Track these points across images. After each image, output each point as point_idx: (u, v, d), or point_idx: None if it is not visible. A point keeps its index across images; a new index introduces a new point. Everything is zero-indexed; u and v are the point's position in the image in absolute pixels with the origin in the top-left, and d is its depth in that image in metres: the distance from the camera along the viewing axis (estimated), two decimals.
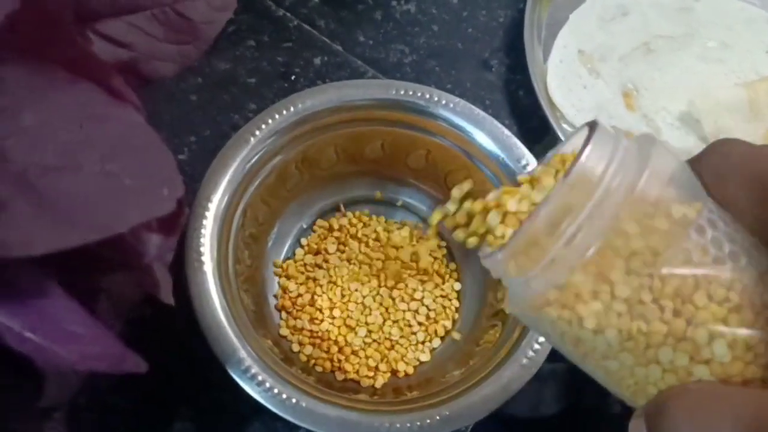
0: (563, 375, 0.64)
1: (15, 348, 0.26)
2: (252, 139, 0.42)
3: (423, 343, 0.45)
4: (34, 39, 0.25)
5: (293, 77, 0.53)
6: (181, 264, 0.38)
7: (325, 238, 0.47)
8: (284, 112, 0.43)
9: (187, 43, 0.35)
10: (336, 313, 0.45)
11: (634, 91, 0.53)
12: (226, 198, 0.40)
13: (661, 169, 0.23)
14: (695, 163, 0.24)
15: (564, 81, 0.53)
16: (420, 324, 0.45)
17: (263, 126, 0.42)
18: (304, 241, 0.47)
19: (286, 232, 0.47)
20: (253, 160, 0.42)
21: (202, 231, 0.38)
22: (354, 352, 0.44)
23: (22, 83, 0.24)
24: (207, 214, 0.39)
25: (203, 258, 0.38)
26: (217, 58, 0.53)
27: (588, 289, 0.22)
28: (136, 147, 0.24)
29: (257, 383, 0.37)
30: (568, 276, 0.22)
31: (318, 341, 0.44)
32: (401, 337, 0.45)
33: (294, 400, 0.37)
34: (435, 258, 0.47)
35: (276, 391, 0.37)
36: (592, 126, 0.24)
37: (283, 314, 0.45)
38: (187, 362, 0.44)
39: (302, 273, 0.46)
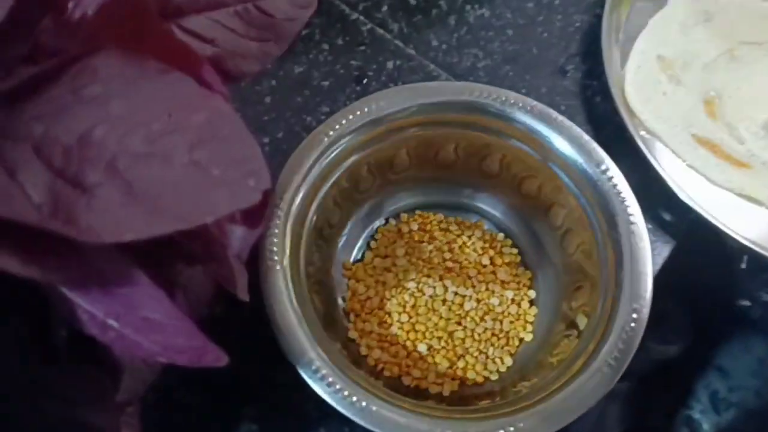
0: (628, 395, 0.62)
1: (97, 337, 0.26)
2: (326, 139, 0.41)
3: (494, 352, 0.44)
4: (126, 29, 0.25)
5: (366, 81, 0.53)
6: (254, 262, 0.38)
7: (395, 242, 0.47)
8: (358, 112, 0.42)
9: (268, 40, 0.35)
10: (404, 317, 0.44)
11: (717, 99, 0.51)
12: (299, 197, 0.40)
13: None
14: None
15: (643, 87, 0.51)
16: (492, 333, 0.44)
17: (337, 126, 0.42)
18: (373, 244, 0.47)
19: (356, 234, 0.47)
20: (327, 161, 0.42)
21: (276, 230, 0.38)
22: (422, 358, 0.43)
23: (112, 72, 0.25)
24: (280, 213, 0.39)
25: (276, 257, 0.38)
26: (291, 61, 0.53)
27: None
28: (223, 137, 0.24)
29: (327, 384, 0.37)
30: None
31: (386, 345, 0.44)
32: (471, 345, 0.44)
33: (364, 403, 0.36)
34: (507, 264, 0.46)
35: (346, 393, 0.37)
36: None
37: (352, 317, 0.44)
38: (254, 362, 0.44)
39: (371, 276, 0.46)
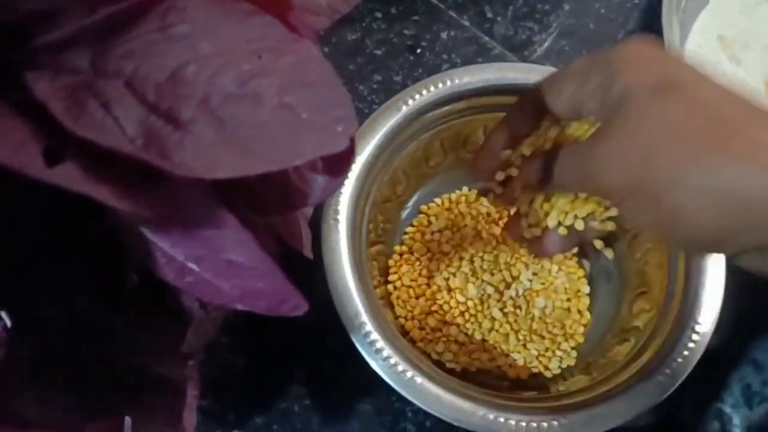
0: None
1: (173, 282, 0.26)
2: (404, 107, 0.41)
3: (545, 348, 0.43)
4: None
5: (419, 51, 0.52)
6: (317, 222, 0.38)
7: (454, 223, 0.46)
8: (440, 85, 0.41)
9: None
10: (453, 301, 0.43)
11: None
12: (369, 161, 0.39)
13: None
14: None
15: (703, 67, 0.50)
16: (545, 328, 0.43)
17: (417, 96, 0.41)
18: (431, 217, 0.46)
19: (421, 208, 0.47)
20: (403, 130, 0.41)
21: (342, 190, 0.38)
22: (471, 344, 0.43)
23: (201, 12, 0.24)
24: (349, 174, 0.38)
25: (339, 216, 0.38)
26: (344, 28, 0.52)
27: None
28: (312, 81, 0.24)
29: (375, 351, 0.36)
30: None
31: (435, 323, 0.43)
32: (522, 337, 0.43)
33: (409, 375, 0.36)
34: (566, 257, 0.45)
35: (393, 361, 0.36)
36: None
37: (400, 289, 0.44)
38: (306, 326, 0.43)
39: (422, 254, 0.45)
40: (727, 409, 0.46)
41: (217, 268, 0.24)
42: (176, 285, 0.26)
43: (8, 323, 0.26)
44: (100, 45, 0.23)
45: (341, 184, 0.27)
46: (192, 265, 0.25)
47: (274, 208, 0.27)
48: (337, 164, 0.25)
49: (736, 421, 0.56)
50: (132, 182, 0.22)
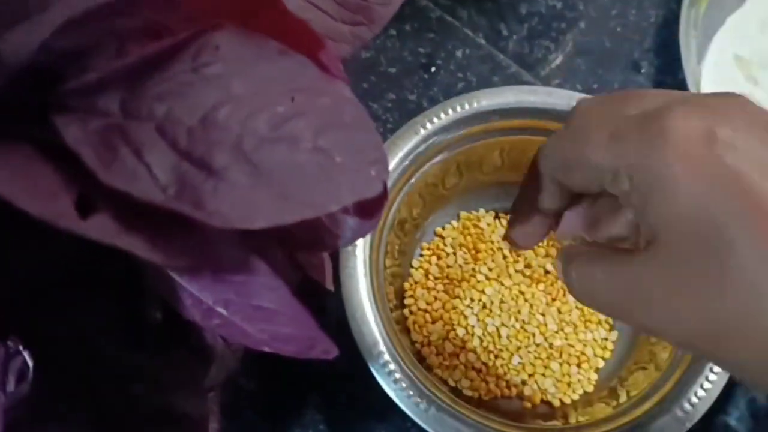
0: None
1: (199, 322, 0.25)
2: (422, 130, 0.41)
3: (563, 374, 0.42)
4: (241, 5, 0.25)
5: (434, 69, 0.52)
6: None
7: (470, 246, 0.45)
8: (458, 108, 0.41)
9: (361, 24, 0.34)
10: (472, 322, 0.43)
11: None
12: (388, 185, 0.39)
13: None
14: None
15: (719, 87, 0.50)
16: (570, 353, 0.43)
17: (435, 119, 0.41)
18: (447, 239, 0.45)
19: (436, 230, 0.46)
20: (420, 152, 0.41)
21: None
22: (488, 371, 0.42)
23: (233, 51, 0.24)
24: None
25: (357, 242, 0.37)
26: (360, 47, 0.52)
27: None
28: (346, 124, 0.23)
29: (394, 381, 0.36)
30: None
31: (452, 349, 0.42)
32: (541, 364, 0.42)
33: (426, 405, 0.36)
34: None
35: (411, 392, 0.36)
36: None
37: (417, 317, 0.43)
38: None
39: (440, 277, 0.45)
40: (733, 422, 0.46)
41: (245, 312, 0.24)
42: (203, 326, 0.25)
43: (29, 362, 0.26)
44: (131, 87, 0.23)
45: (374, 226, 0.26)
46: (220, 309, 0.24)
47: (305, 248, 0.27)
48: (369, 207, 0.25)
49: None
50: (164, 232, 0.21)
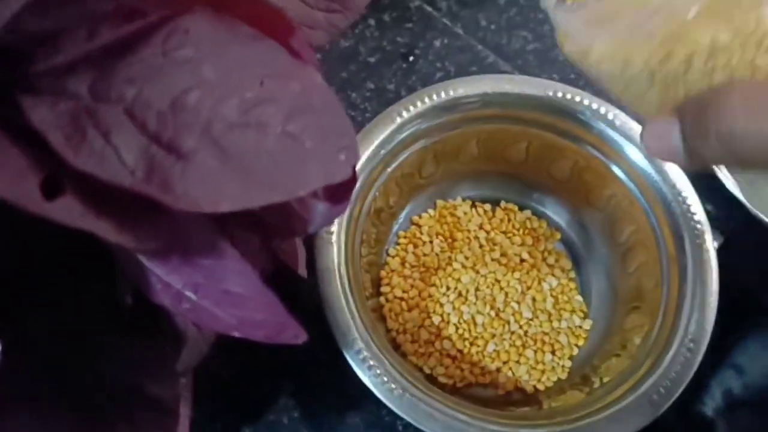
0: None
1: (168, 307, 0.26)
2: (399, 119, 0.41)
3: (537, 362, 0.43)
4: None
5: (413, 58, 0.52)
6: (309, 236, 0.37)
7: (446, 234, 0.46)
8: (435, 96, 0.41)
9: (337, 11, 0.34)
10: (447, 309, 0.43)
11: None
12: (363, 174, 0.39)
13: None
14: None
15: None
16: (544, 341, 0.43)
17: (411, 108, 0.41)
18: (423, 228, 0.46)
19: (413, 219, 0.46)
20: (396, 141, 0.41)
21: None
22: (463, 358, 0.42)
23: (204, 35, 0.24)
24: None
25: (333, 229, 0.37)
26: (338, 34, 0.52)
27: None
28: (316, 109, 0.23)
29: (368, 367, 0.36)
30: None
31: (428, 336, 0.43)
32: (515, 351, 0.43)
33: (401, 391, 0.36)
34: (560, 267, 0.45)
35: (386, 378, 0.36)
36: None
37: (392, 302, 0.44)
38: None
39: (417, 266, 0.45)
40: (709, 413, 0.47)
41: (214, 297, 0.24)
42: (172, 310, 0.25)
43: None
44: (101, 70, 0.22)
45: (342, 211, 0.26)
46: (189, 293, 0.24)
47: (274, 234, 0.27)
48: (339, 192, 0.25)
49: (719, 424, 0.56)
50: (132, 214, 0.21)
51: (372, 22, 0.52)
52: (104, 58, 0.23)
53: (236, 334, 0.25)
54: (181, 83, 0.23)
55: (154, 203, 0.21)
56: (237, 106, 0.22)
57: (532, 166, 0.45)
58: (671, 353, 0.37)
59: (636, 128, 0.41)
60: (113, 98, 0.22)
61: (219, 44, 0.24)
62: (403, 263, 0.45)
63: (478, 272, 0.44)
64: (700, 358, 0.37)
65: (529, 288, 0.44)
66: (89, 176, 0.20)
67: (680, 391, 0.37)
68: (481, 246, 0.45)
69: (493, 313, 0.43)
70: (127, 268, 0.26)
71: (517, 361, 0.43)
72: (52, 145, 0.20)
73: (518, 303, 0.44)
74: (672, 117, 0.24)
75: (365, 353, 0.36)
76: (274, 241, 0.31)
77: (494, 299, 0.44)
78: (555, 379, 0.42)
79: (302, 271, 0.33)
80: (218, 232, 0.23)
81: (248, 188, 0.21)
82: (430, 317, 0.43)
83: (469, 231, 0.46)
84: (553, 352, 0.43)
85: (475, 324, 0.43)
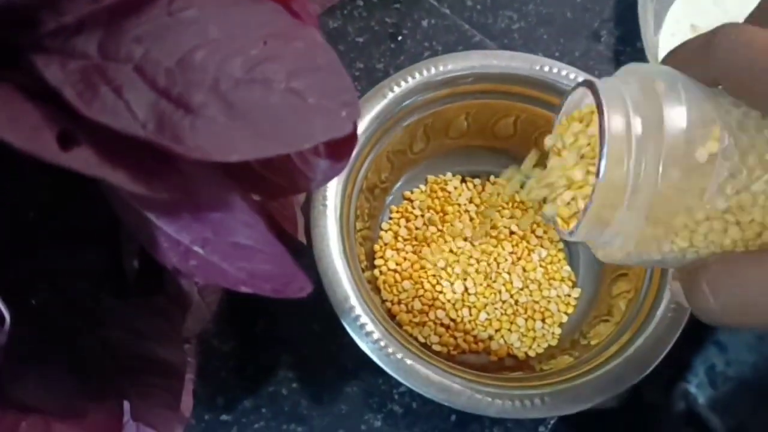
0: None
1: (175, 265, 0.26)
2: (390, 94, 0.41)
3: (528, 329, 0.44)
4: None
5: (400, 38, 0.53)
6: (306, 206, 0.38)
7: (438, 208, 0.47)
8: (425, 72, 0.42)
9: None
10: (438, 285, 0.44)
11: None
12: (356, 149, 0.40)
13: (674, 99, 0.24)
14: (703, 49, 0.24)
15: None
16: (534, 309, 0.44)
17: (402, 83, 0.42)
18: (415, 202, 0.47)
19: (405, 194, 0.47)
20: (387, 117, 0.42)
21: None
22: (456, 327, 0.43)
23: None
24: None
25: (328, 202, 0.38)
26: (326, 15, 0.52)
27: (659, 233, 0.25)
28: (318, 67, 0.24)
29: (365, 334, 0.37)
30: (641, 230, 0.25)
31: (422, 307, 0.44)
32: (507, 320, 0.44)
33: (399, 356, 0.37)
34: (549, 239, 0.46)
35: (383, 344, 0.37)
36: (594, 91, 0.25)
37: (387, 273, 0.45)
38: (293, 310, 0.44)
39: (409, 239, 0.46)
40: (692, 389, 0.48)
41: (223, 250, 0.25)
42: (179, 269, 0.26)
43: (5, 312, 0.26)
44: (108, 30, 0.23)
45: (343, 167, 0.27)
46: (197, 249, 0.25)
47: (277, 192, 0.28)
48: (340, 148, 0.26)
49: (702, 400, 0.58)
50: (144, 167, 0.22)
51: (360, 2, 0.53)
52: (111, 18, 0.23)
53: (243, 289, 0.25)
54: (188, 42, 0.23)
55: (165, 155, 0.22)
56: (242, 63, 0.23)
57: (521, 140, 0.46)
58: (658, 315, 0.39)
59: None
60: (122, 57, 0.23)
61: (223, 5, 0.24)
62: (396, 237, 0.45)
63: (469, 244, 0.45)
64: (685, 318, 0.39)
65: (519, 259, 0.45)
66: (102, 129, 0.21)
67: (667, 350, 0.38)
68: (471, 219, 0.46)
69: (485, 284, 0.44)
70: (135, 228, 0.27)
71: (509, 329, 0.44)
72: (66, 100, 0.21)
73: (509, 273, 0.45)
74: (676, 282, 0.27)
75: (363, 320, 0.37)
76: (279, 205, 0.32)
77: (486, 270, 0.45)
78: (545, 345, 0.44)
79: (301, 236, 0.33)
80: (227, 186, 0.24)
81: (255, 140, 0.22)
82: (423, 288, 0.44)
83: (459, 205, 0.47)
84: (543, 320, 0.44)
85: (468, 294, 0.44)
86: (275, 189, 0.27)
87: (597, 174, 0.24)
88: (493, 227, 0.46)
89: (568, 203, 0.27)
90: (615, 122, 0.24)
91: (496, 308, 0.44)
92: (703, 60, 0.24)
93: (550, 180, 0.28)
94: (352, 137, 0.25)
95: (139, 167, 0.22)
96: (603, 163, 0.24)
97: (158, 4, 0.24)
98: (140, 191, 0.21)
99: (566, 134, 0.28)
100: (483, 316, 0.43)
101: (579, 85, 0.27)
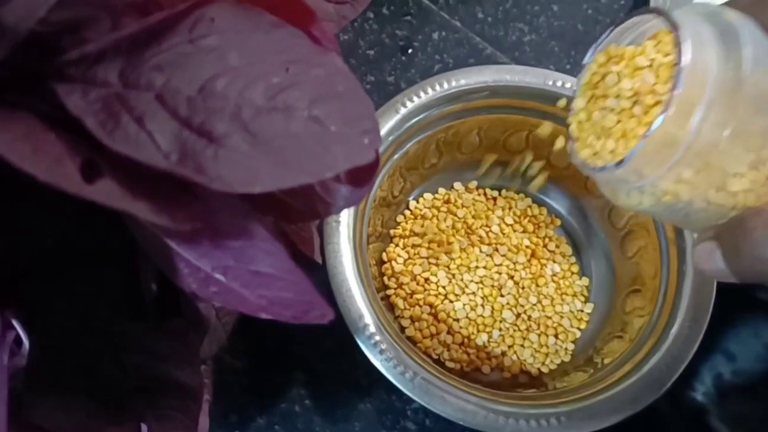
0: None
1: (195, 291, 0.26)
2: (403, 109, 0.41)
3: (541, 345, 0.44)
4: None
5: (411, 51, 0.52)
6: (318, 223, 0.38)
7: (445, 221, 0.46)
8: (437, 87, 0.42)
9: (346, 2, 0.35)
10: (448, 303, 0.44)
11: None
12: None
13: (751, 39, 0.24)
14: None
15: None
16: (548, 324, 0.44)
17: (415, 98, 0.42)
18: (426, 218, 0.46)
19: (415, 209, 0.47)
20: (401, 131, 0.42)
21: None
22: (469, 343, 0.43)
23: (228, 23, 0.24)
24: None
25: (341, 219, 0.38)
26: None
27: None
28: (340, 94, 0.24)
29: (380, 351, 0.37)
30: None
31: (434, 323, 0.43)
32: (519, 335, 0.44)
33: (413, 373, 0.37)
34: (561, 254, 0.46)
35: (396, 361, 0.37)
36: (674, 23, 0.25)
37: (399, 289, 0.44)
38: (306, 327, 0.44)
39: (421, 254, 0.46)
40: (699, 398, 0.47)
41: (243, 278, 0.25)
42: (199, 295, 0.26)
43: (23, 336, 0.26)
44: (129, 58, 0.23)
45: (365, 193, 0.27)
46: (218, 276, 0.25)
47: (297, 217, 0.28)
48: (361, 175, 0.26)
49: (709, 409, 0.57)
50: (166, 198, 0.22)
51: (371, 15, 0.53)
52: (132, 47, 0.23)
53: (263, 316, 0.25)
54: (209, 70, 0.23)
55: (187, 186, 0.22)
56: (264, 91, 0.23)
57: (533, 154, 0.46)
58: (672, 334, 0.38)
59: None
60: (143, 85, 0.23)
61: (243, 32, 0.24)
62: (407, 252, 0.45)
63: (481, 260, 0.45)
64: (700, 336, 0.38)
65: (531, 274, 0.45)
66: (125, 160, 0.21)
67: (682, 368, 0.38)
68: (483, 234, 0.46)
69: (497, 299, 0.44)
70: (153, 254, 0.27)
71: (522, 345, 0.43)
72: (89, 130, 0.21)
73: (522, 288, 0.45)
74: (712, 241, 0.27)
75: (377, 338, 0.37)
76: (296, 227, 0.32)
77: (498, 285, 0.44)
78: (558, 361, 0.43)
79: (318, 257, 0.33)
80: (248, 214, 0.24)
81: (278, 171, 0.22)
82: (435, 305, 0.43)
83: (471, 219, 0.47)
84: (556, 336, 0.44)
85: (480, 310, 0.44)
86: (295, 214, 0.27)
87: (673, 88, 0.23)
88: (505, 242, 0.46)
89: (619, 138, 0.27)
90: (691, 40, 0.24)
91: (508, 324, 0.44)
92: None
93: (605, 124, 0.27)
94: (374, 164, 0.25)
95: (161, 197, 0.22)
96: (682, 75, 0.23)
97: (179, 32, 0.24)
98: (163, 223, 0.21)
99: (610, 73, 0.27)
100: (496, 332, 0.43)
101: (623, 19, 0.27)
